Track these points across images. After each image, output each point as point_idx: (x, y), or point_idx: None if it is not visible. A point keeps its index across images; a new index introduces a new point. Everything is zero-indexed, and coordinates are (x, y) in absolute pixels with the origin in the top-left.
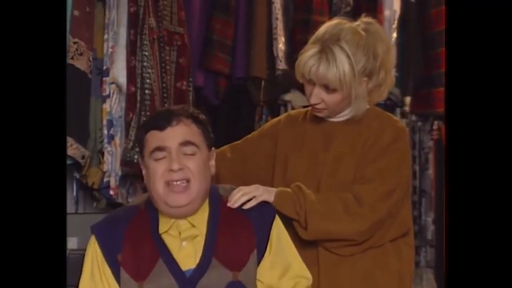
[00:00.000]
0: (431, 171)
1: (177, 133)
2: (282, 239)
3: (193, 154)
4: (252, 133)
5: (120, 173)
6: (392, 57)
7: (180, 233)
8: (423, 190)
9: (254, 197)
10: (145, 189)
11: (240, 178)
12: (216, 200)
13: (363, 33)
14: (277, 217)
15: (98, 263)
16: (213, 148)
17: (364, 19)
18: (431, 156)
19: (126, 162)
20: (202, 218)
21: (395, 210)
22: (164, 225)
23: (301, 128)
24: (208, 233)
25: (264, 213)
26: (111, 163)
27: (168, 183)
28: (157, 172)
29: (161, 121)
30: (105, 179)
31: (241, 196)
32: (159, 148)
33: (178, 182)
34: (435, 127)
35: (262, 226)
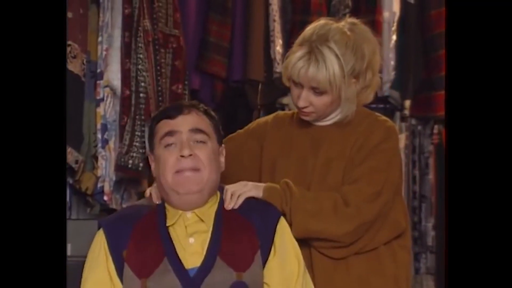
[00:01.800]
0: (431, 176)
1: (188, 120)
2: (287, 242)
3: (204, 142)
4: (237, 132)
5: (114, 178)
6: (379, 58)
7: (186, 227)
8: (423, 195)
9: (241, 193)
10: (140, 195)
11: (224, 177)
12: (223, 200)
13: (349, 33)
14: (281, 220)
15: (105, 253)
16: (222, 145)
17: (349, 19)
18: (431, 161)
19: (120, 167)
20: (209, 214)
21: (384, 211)
22: (171, 218)
23: (289, 131)
24: (214, 232)
25: (266, 216)
26: (105, 168)
27: (178, 172)
28: (168, 161)
29: (172, 111)
30: (99, 185)
31: (232, 197)
32: (170, 133)
33: (188, 172)
34: (435, 131)
35: (265, 229)
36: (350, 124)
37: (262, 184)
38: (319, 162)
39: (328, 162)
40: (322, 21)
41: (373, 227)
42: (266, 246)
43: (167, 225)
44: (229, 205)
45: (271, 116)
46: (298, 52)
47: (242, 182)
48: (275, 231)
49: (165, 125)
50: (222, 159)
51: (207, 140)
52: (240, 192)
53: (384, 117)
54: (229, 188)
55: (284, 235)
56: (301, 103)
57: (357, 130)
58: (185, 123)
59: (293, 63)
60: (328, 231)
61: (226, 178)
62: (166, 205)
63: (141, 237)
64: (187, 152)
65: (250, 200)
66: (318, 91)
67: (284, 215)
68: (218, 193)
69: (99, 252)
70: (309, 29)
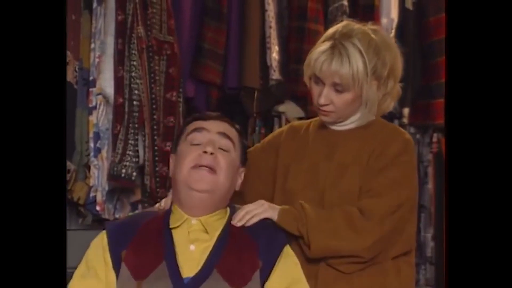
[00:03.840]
0: (430, 186)
1: (218, 124)
2: (291, 269)
3: (227, 151)
4: (255, 145)
5: (107, 188)
6: (400, 66)
7: (189, 232)
8: (422, 205)
9: (256, 214)
10: (133, 205)
11: (242, 188)
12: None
13: (372, 35)
14: (287, 247)
15: (102, 251)
16: (243, 168)
17: (371, 26)
18: (430, 170)
19: (113, 176)
20: (215, 226)
21: (401, 225)
22: (175, 221)
23: (304, 138)
24: (217, 244)
25: (273, 240)
26: (98, 177)
27: (194, 167)
28: (188, 155)
29: (207, 115)
30: (91, 194)
31: (245, 215)
32: (198, 129)
33: (204, 169)
34: (434, 139)
35: (269, 252)
36: (368, 132)
37: (278, 206)
38: (333, 166)
39: (342, 167)
40: (344, 21)
41: (390, 241)
42: (266, 268)
43: (170, 227)
44: (239, 222)
45: (286, 126)
46: (321, 47)
47: (260, 201)
48: (279, 255)
49: (194, 124)
50: (239, 180)
51: (231, 148)
52: (255, 212)
53: (402, 129)
54: (245, 207)
55: (288, 261)
56: (322, 100)
57: (374, 138)
58: (215, 125)
59: (316, 57)
60: (348, 248)
61: (244, 189)
62: (173, 208)
63: (143, 238)
64: (210, 149)
65: (261, 221)
66: (340, 88)
67: (302, 237)
68: (228, 210)
69: (96, 250)
70: (332, 28)
